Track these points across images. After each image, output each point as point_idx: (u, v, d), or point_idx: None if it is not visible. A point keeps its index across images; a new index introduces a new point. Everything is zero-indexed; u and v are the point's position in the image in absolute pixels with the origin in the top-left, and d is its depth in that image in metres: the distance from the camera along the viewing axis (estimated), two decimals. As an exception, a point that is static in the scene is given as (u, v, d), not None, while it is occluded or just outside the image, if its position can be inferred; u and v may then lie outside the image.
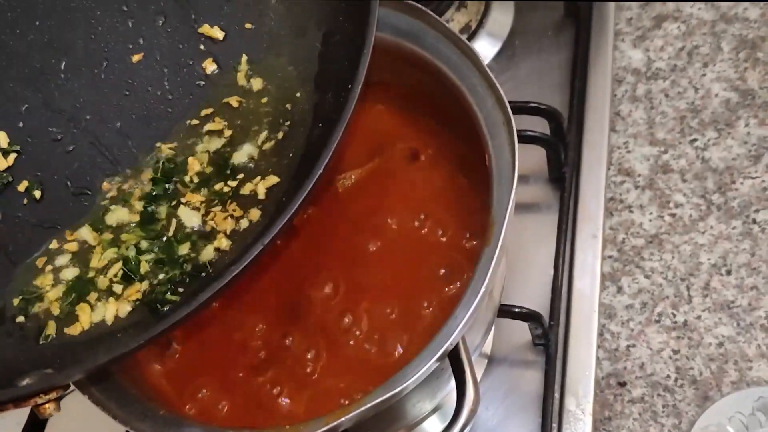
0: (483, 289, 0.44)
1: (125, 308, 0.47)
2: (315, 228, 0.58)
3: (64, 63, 0.55)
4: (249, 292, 0.57)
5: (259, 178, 0.50)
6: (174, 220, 0.50)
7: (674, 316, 0.69)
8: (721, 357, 0.66)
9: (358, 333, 0.54)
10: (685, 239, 0.72)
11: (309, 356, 0.53)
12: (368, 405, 0.43)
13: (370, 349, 0.53)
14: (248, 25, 0.56)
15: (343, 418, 0.43)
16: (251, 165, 0.51)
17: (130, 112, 0.55)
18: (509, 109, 0.48)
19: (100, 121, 0.54)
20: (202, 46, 0.56)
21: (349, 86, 0.45)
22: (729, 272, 0.69)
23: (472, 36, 0.78)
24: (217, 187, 0.51)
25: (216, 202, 0.50)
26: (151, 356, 0.54)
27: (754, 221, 0.71)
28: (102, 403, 0.46)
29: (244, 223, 0.49)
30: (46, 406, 0.42)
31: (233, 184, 0.50)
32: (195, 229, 0.49)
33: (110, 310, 0.47)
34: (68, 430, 0.68)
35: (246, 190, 0.50)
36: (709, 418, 0.63)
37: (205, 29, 0.56)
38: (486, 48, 0.78)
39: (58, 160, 0.54)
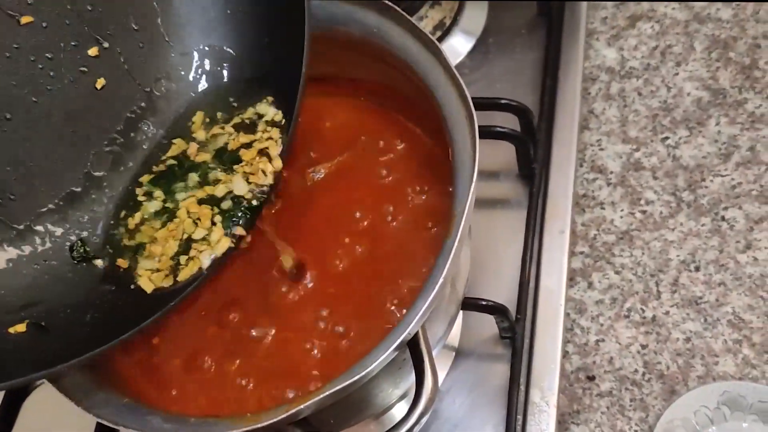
0: (441, 279, 0.45)
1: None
2: (284, 221, 0.59)
3: None
4: (216, 285, 0.57)
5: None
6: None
7: (643, 311, 0.69)
8: (688, 352, 0.67)
9: (325, 325, 0.55)
10: (655, 236, 0.72)
11: (275, 347, 0.54)
12: (327, 393, 0.43)
13: (337, 340, 0.54)
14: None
15: (302, 406, 0.43)
16: None
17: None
18: (471, 104, 0.49)
19: None
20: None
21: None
22: (697, 268, 0.70)
23: (446, 33, 0.79)
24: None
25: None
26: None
27: (723, 218, 0.72)
28: (66, 390, 0.47)
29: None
30: None
31: None
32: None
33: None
34: (39, 418, 0.69)
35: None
36: (675, 412, 0.63)
37: None
38: (460, 45, 0.79)
39: None
